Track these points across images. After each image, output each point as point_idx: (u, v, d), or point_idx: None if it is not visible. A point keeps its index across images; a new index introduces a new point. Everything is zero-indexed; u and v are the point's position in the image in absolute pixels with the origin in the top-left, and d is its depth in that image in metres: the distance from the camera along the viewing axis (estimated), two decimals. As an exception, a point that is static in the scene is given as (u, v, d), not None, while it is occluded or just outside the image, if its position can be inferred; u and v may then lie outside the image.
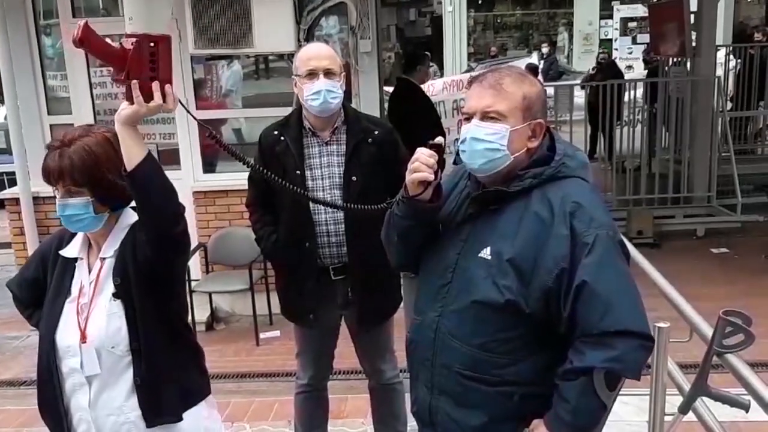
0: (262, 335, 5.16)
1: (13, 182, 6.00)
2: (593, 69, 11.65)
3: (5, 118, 12.94)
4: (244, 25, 5.00)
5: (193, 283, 5.22)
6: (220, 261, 5.52)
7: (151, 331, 1.90)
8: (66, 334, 1.90)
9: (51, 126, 5.55)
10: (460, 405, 1.83)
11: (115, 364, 1.89)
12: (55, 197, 1.90)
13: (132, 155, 1.76)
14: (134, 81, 1.70)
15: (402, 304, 3.14)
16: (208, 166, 5.68)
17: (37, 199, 5.48)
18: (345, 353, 3.14)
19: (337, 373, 3.45)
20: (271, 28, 5.02)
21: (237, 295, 5.43)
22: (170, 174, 5.85)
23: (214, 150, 5.88)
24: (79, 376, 1.89)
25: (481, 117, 1.76)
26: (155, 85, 1.71)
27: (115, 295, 1.88)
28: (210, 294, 5.52)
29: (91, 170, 1.86)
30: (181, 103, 1.83)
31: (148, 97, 1.71)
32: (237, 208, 5.37)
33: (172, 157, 5.66)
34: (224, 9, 5.01)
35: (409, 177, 1.80)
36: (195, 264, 5.44)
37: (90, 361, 1.87)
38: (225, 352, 5.09)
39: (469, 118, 1.79)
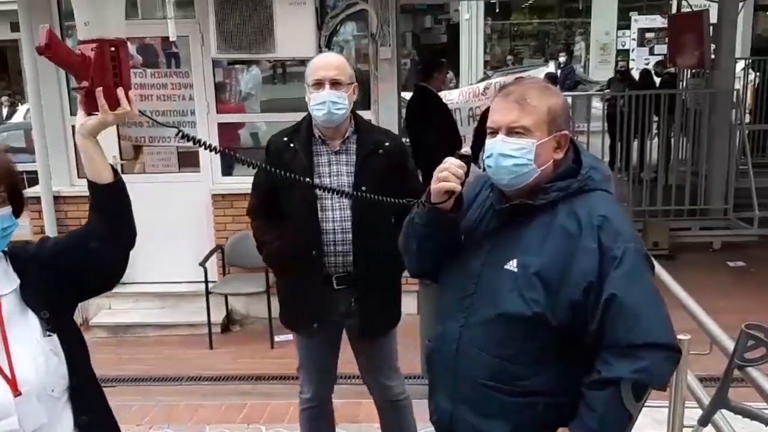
0: (276, 338, 5.18)
1: (32, 181, 6.08)
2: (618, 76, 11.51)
3: (24, 118, 13.14)
4: (266, 30, 5.06)
5: (209, 285, 5.27)
6: (236, 263, 5.56)
7: (82, 362, 1.72)
8: None
9: (73, 126, 5.59)
10: (483, 415, 1.82)
11: (53, 409, 1.64)
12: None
13: (99, 169, 1.68)
14: (99, 88, 1.61)
15: (400, 317, 3.07)
16: (227, 169, 5.72)
17: (58, 198, 5.55)
18: (353, 359, 3.09)
19: (351, 377, 3.45)
20: (293, 34, 5.06)
21: (253, 297, 5.46)
22: (189, 177, 5.89)
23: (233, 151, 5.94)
24: None
25: (507, 132, 1.76)
26: (120, 92, 1.64)
27: (51, 330, 1.63)
28: (226, 296, 5.56)
29: (10, 173, 1.66)
30: (142, 112, 1.76)
31: (114, 104, 1.64)
32: (255, 212, 5.41)
33: (191, 159, 5.72)
34: (247, 14, 5.07)
35: (436, 185, 1.79)
36: (212, 266, 5.48)
37: (31, 413, 1.58)
38: (240, 354, 5.13)
39: (494, 133, 1.79)
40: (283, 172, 2.27)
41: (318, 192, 2.74)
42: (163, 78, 5.70)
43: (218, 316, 5.49)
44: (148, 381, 4.75)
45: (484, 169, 1.88)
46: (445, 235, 1.89)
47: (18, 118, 14.29)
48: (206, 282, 5.24)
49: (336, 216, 2.77)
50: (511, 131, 1.75)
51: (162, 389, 4.59)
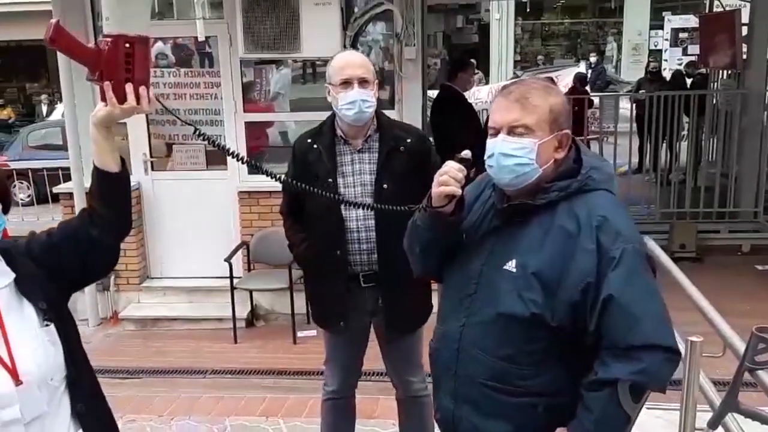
0: (299, 333, 5.26)
1: (66, 178, 6.24)
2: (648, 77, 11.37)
3: (62, 116, 13.44)
4: (292, 30, 5.13)
5: (235, 281, 5.37)
6: (261, 260, 5.65)
7: (78, 351, 1.76)
8: None
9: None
10: (484, 415, 1.84)
11: (52, 398, 1.67)
12: None
13: (106, 157, 1.73)
14: (107, 82, 1.64)
15: (430, 314, 3.07)
16: (253, 168, 5.78)
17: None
18: (377, 355, 3.15)
19: (370, 374, 3.48)
20: (319, 34, 5.13)
21: (277, 293, 5.55)
22: (216, 174, 5.99)
23: (260, 152, 6.03)
24: (17, 429, 1.61)
25: (508, 131, 1.75)
26: (129, 87, 1.65)
27: (48, 321, 1.67)
28: (251, 291, 5.65)
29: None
30: (163, 104, 1.79)
31: (122, 98, 1.66)
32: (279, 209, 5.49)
33: (218, 158, 5.81)
34: (273, 14, 5.15)
35: (436, 189, 1.80)
36: (237, 262, 5.58)
37: (32, 402, 1.62)
38: (264, 349, 5.22)
39: (496, 133, 1.78)
40: (302, 185, 2.28)
41: (341, 190, 2.78)
42: (196, 77, 5.81)
43: (243, 311, 5.59)
44: (173, 373, 4.85)
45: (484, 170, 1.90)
46: (446, 238, 1.90)
47: (56, 116, 14.64)
48: (231, 278, 5.34)
49: (359, 215, 2.80)
50: (513, 131, 1.75)
51: (186, 381, 4.69)
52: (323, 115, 4.83)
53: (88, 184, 5.78)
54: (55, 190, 5.95)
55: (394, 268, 2.73)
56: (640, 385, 1.68)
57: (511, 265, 1.77)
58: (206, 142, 1.81)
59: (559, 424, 1.78)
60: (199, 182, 5.77)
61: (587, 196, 1.78)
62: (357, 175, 2.82)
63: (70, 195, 5.70)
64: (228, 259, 5.33)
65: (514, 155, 1.75)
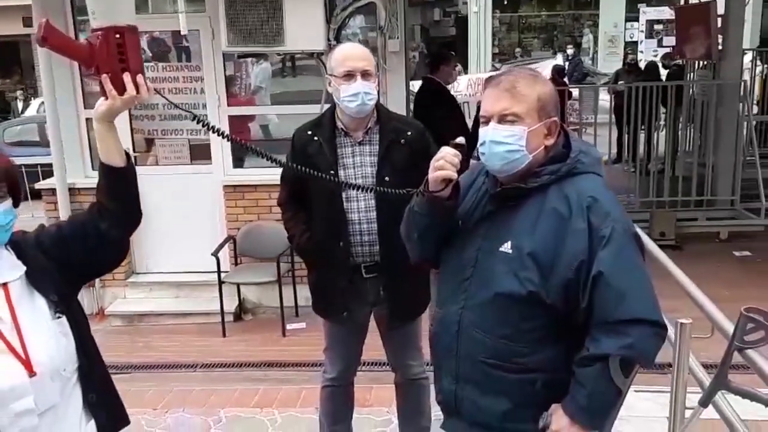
0: (288, 326, 5.28)
1: (46, 174, 6.19)
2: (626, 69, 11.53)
3: (37, 111, 13.26)
4: (276, 23, 5.12)
5: (222, 275, 5.37)
6: (248, 253, 5.66)
7: (89, 343, 1.79)
8: (1, 378, 1.60)
9: (87, 119, 5.70)
10: (485, 393, 1.90)
11: (64, 388, 1.70)
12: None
13: (112, 153, 1.75)
14: (104, 75, 1.66)
15: (429, 301, 3.15)
16: (238, 161, 5.81)
17: (72, 190, 5.64)
18: (370, 346, 3.20)
19: (363, 364, 3.51)
20: (303, 27, 5.12)
21: (264, 286, 5.56)
22: (201, 168, 5.98)
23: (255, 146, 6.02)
24: (30, 419, 1.62)
25: (499, 120, 1.82)
26: (126, 77, 1.67)
27: (60, 312, 1.70)
28: (238, 285, 5.65)
29: (11, 171, 1.73)
30: (158, 91, 1.81)
31: (121, 89, 1.68)
32: (265, 203, 5.50)
33: (203, 152, 5.80)
34: (257, 8, 5.14)
35: (433, 174, 1.87)
36: (224, 256, 5.58)
37: (46, 392, 1.65)
38: (252, 342, 5.22)
39: (486, 121, 1.85)
40: (307, 169, 2.26)
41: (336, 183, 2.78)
42: (174, 72, 5.80)
43: (231, 305, 5.59)
44: (162, 368, 4.84)
45: (478, 158, 1.96)
46: (443, 222, 1.96)
47: (31, 111, 14.44)
48: (219, 272, 5.33)
49: (361, 206, 2.83)
50: (503, 119, 1.82)
51: (176, 376, 4.69)
52: (305, 108, 4.85)
53: (71, 180, 5.75)
54: (38, 186, 5.89)
55: (396, 259, 2.74)
56: (629, 359, 1.76)
57: (506, 247, 1.84)
58: (211, 131, 1.82)
59: (556, 400, 1.85)
60: (184, 177, 5.76)
61: (577, 178, 1.85)
62: (358, 167, 2.83)
63: (53, 191, 5.66)
64: (215, 254, 5.33)
65: (505, 142, 1.82)
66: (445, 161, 1.85)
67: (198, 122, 1.85)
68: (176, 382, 4.53)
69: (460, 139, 1.89)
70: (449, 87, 6.54)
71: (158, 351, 5.16)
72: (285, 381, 4.42)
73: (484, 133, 1.84)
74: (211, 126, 1.92)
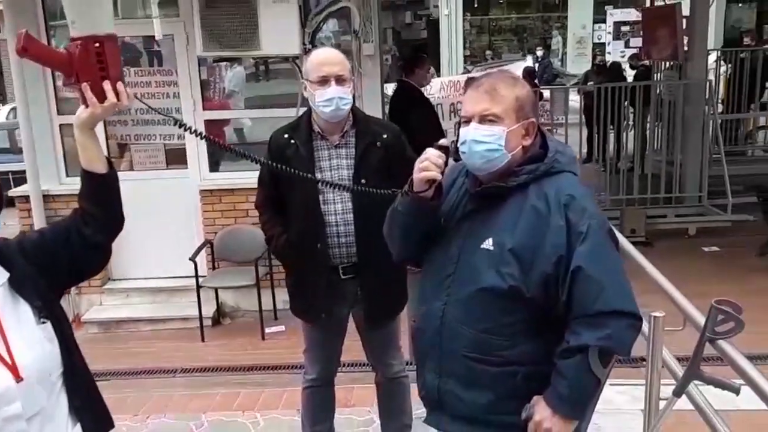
0: (267, 330, 5.29)
1: (18, 181, 6.12)
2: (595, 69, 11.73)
3: (7, 118, 13.01)
4: (251, 28, 5.13)
5: (200, 279, 5.36)
6: (226, 257, 5.66)
7: (73, 347, 1.78)
8: None
9: (61, 125, 5.67)
10: (467, 386, 1.97)
11: (51, 393, 1.70)
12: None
13: (93, 160, 1.76)
14: (84, 84, 1.68)
15: (407, 301, 3.18)
16: (214, 165, 5.80)
17: (47, 197, 5.59)
18: (351, 347, 3.23)
19: (343, 365, 3.54)
20: (278, 32, 5.14)
21: (243, 290, 5.56)
22: (177, 173, 5.96)
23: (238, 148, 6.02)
24: (18, 424, 1.62)
25: (479, 120, 1.90)
26: (106, 85, 1.69)
27: (44, 318, 1.70)
28: (216, 289, 5.65)
29: None
30: (138, 98, 1.83)
31: (101, 97, 1.69)
32: (243, 206, 5.51)
33: (178, 156, 5.79)
34: (231, 12, 5.15)
35: (418, 175, 1.93)
36: (202, 260, 5.57)
37: (33, 398, 1.64)
38: (231, 346, 5.22)
39: (467, 122, 1.92)
40: (285, 168, 2.31)
41: (320, 186, 2.82)
42: (146, 77, 5.78)
43: (209, 309, 5.58)
44: (141, 374, 4.82)
45: (456, 159, 2.02)
46: (426, 222, 2.02)
47: (0, 118, 14.18)
48: (196, 276, 5.32)
49: (338, 209, 2.86)
50: (483, 119, 1.90)
51: (155, 382, 4.67)
52: (280, 112, 4.87)
53: (45, 186, 5.67)
54: (11, 193, 5.83)
55: (373, 260, 2.81)
56: (607, 349, 1.84)
57: (488, 244, 1.91)
58: (194, 135, 1.85)
59: (537, 392, 1.92)
60: (160, 181, 5.73)
61: (554, 177, 1.93)
62: (335, 170, 2.86)
63: (27, 198, 5.60)
64: (192, 258, 5.32)
65: (485, 141, 1.90)
66: (429, 162, 1.91)
67: (181, 126, 1.88)
68: (156, 388, 4.52)
69: (444, 141, 1.97)
70: (423, 89, 6.62)
71: (137, 357, 5.13)
72: (266, 384, 4.43)
73: (465, 132, 1.91)
74: (196, 131, 1.96)
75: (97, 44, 1.68)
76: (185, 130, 1.88)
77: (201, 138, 1.95)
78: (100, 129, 5.47)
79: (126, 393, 4.37)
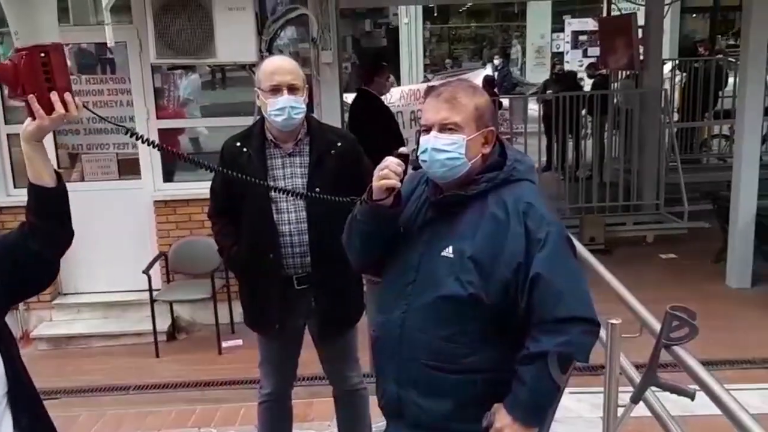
0: (224, 344, 5.18)
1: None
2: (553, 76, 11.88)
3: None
4: (206, 35, 5.04)
5: (154, 293, 5.22)
6: (181, 270, 5.53)
7: (18, 366, 1.75)
8: None
9: (8, 135, 5.50)
10: (427, 394, 1.95)
11: None
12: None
13: (41, 173, 1.71)
14: (31, 95, 1.63)
15: (363, 312, 3.16)
16: (168, 175, 5.68)
17: (-6, 209, 5.41)
18: (309, 360, 3.17)
19: (302, 379, 3.49)
20: (233, 39, 5.06)
21: (199, 304, 5.43)
22: (130, 184, 5.82)
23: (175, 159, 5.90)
24: None
25: (440, 129, 1.91)
26: (54, 96, 1.64)
27: None
28: (171, 303, 5.51)
29: None
30: (87, 108, 1.78)
31: (49, 109, 1.64)
32: (198, 217, 5.40)
33: (131, 166, 5.66)
34: (186, 19, 5.05)
35: (377, 183, 1.92)
36: (156, 274, 5.43)
37: None
38: (187, 362, 5.10)
39: (427, 130, 1.93)
40: (239, 174, 2.28)
41: (272, 195, 2.78)
42: (99, 84, 5.67)
43: (163, 324, 5.44)
44: (93, 392, 4.68)
45: (415, 168, 2.01)
46: (386, 230, 2.01)
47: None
48: (150, 290, 5.19)
49: (292, 218, 2.81)
50: (443, 128, 1.90)
51: (109, 399, 4.54)
52: (236, 120, 4.79)
53: (-7, 198, 5.38)
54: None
55: (328, 270, 2.78)
56: (566, 355, 1.83)
57: (448, 252, 1.91)
58: (145, 144, 1.78)
59: (497, 399, 1.91)
60: (112, 192, 5.60)
61: (513, 186, 1.94)
62: (288, 179, 2.82)
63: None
64: (146, 271, 5.18)
65: (445, 150, 1.90)
66: (389, 170, 1.90)
67: (132, 136, 1.81)
68: (109, 405, 4.39)
69: (403, 149, 1.96)
70: (383, 98, 6.60)
71: (89, 374, 4.97)
72: (223, 400, 4.33)
73: (426, 141, 1.92)
74: (148, 140, 1.88)
75: (42, 54, 1.63)
76: (137, 139, 1.81)
77: (153, 147, 1.88)
78: (49, 139, 5.33)
79: (77, 411, 4.22)
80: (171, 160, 5.65)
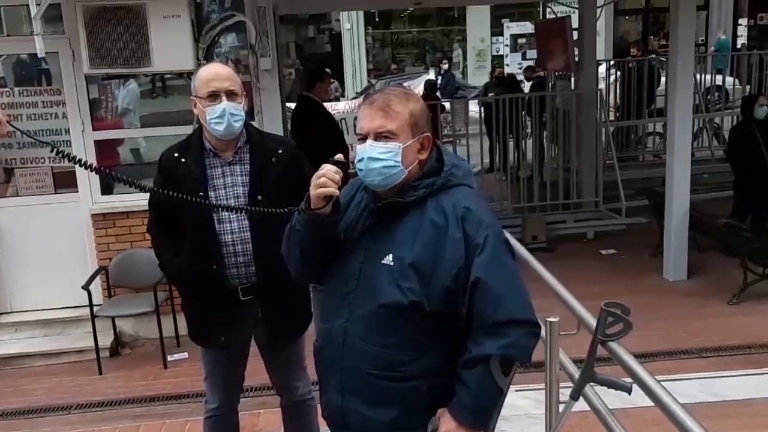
0: (169, 357, 5.09)
1: None
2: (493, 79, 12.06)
3: None
4: (141, 44, 4.96)
5: (95, 308, 5.09)
6: (122, 284, 5.40)
7: None
8: None
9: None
10: (371, 403, 1.93)
11: None
12: None
13: None
14: None
15: (311, 320, 3.10)
16: (107, 188, 5.54)
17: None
18: (256, 370, 3.12)
19: (249, 390, 3.45)
20: (170, 47, 4.99)
21: (142, 318, 5.31)
22: (66, 197, 5.65)
23: (114, 171, 5.76)
24: None
25: (375, 137, 1.89)
26: None
27: None
28: (113, 318, 5.37)
29: None
30: (11, 124, 1.73)
31: None
32: (139, 229, 5.28)
33: (67, 180, 5.50)
34: (120, 28, 4.95)
35: (315, 191, 1.89)
36: (96, 288, 5.29)
37: None
38: (131, 377, 4.98)
39: (363, 139, 1.91)
40: (177, 194, 2.20)
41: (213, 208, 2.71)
42: (33, 96, 5.48)
43: (106, 340, 5.30)
44: (33, 413, 4.53)
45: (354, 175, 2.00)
46: (325, 239, 1.98)
47: None
48: (91, 305, 5.05)
49: (234, 228, 2.76)
50: (379, 136, 1.89)
51: (49, 420, 4.40)
52: (177, 129, 4.70)
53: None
54: None
55: (273, 279, 2.72)
56: (508, 357, 1.85)
57: (388, 259, 1.89)
58: (68, 161, 1.72)
59: (442, 404, 1.91)
60: (48, 207, 5.43)
61: (451, 191, 1.94)
62: (229, 188, 2.77)
63: None
64: (86, 287, 5.04)
65: (381, 158, 1.88)
66: (326, 178, 1.88)
67: (57, 153, 1.75)
68: (50, 426, 4.27)
69: (339, 156, 1.94)
70: (326, 104, 6.60)
71: (28, 395, 4.81)
72: (168, 415, 4.25)
73: (362, 150, 1.90)
74: (68, 155, 1.83)
75: None
76: (62, 156, 1.75)
77: (84, 167, 1.82)
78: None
79: (15, 435, 4.09)
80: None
